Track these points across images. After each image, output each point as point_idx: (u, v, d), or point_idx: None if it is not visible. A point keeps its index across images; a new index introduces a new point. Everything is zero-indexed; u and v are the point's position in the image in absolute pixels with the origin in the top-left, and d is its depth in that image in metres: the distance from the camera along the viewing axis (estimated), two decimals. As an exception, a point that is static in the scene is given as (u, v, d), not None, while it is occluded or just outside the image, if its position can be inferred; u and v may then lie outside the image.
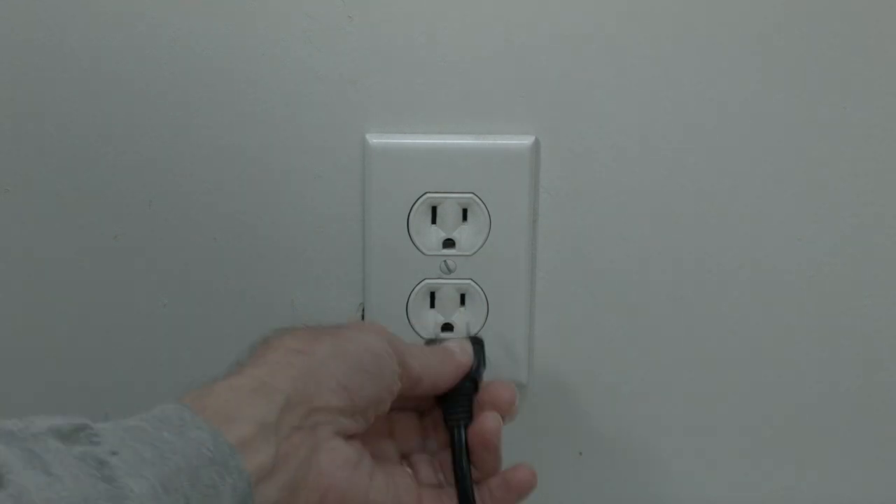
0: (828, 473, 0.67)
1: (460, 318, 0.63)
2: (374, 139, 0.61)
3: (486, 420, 0.54)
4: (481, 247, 0.62)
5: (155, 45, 0.60)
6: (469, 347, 0.56)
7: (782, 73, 0.60)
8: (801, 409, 0.66)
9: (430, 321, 0.63)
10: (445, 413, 0.56)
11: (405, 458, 0.57)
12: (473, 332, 0.63)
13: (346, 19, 0.60)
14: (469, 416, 0.55)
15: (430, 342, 0.58)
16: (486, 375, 0.58)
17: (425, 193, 0.61)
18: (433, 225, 0.62)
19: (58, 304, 0.65)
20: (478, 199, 0.61)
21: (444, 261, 0.62)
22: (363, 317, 0.64)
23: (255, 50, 0.60)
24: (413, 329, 0.63)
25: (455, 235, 0.62)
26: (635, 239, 0.63)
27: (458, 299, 0.63)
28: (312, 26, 0.60)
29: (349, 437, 0.50)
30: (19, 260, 0.64)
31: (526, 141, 0.61)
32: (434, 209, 0.62)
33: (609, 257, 0.63)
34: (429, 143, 0.61)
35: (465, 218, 0.62)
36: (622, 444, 0.67)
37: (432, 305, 0.63)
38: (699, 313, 0.64)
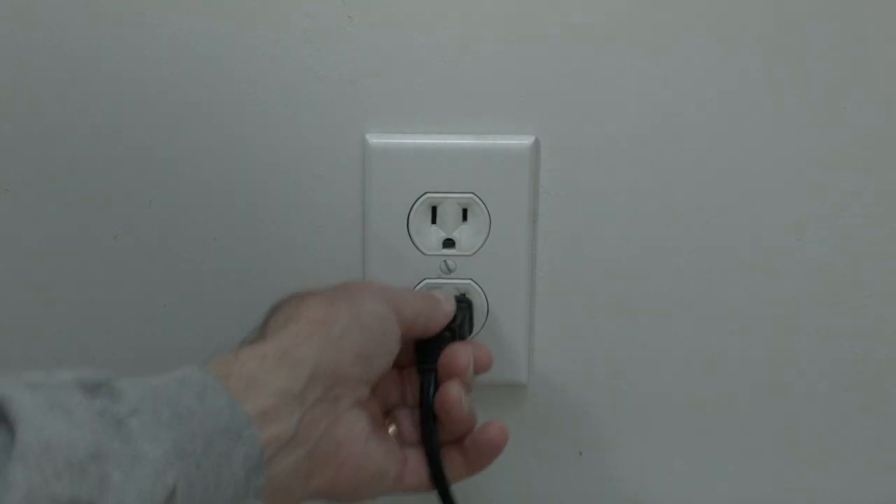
0: (828, 473, 0.67)
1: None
2: (374, 139, 0.61)
3: (448, 391, 0.55)
4: (481, 247, 0.62)
5: (155, 45, 0.60)
6: (452, 298, 0.58)
7: (782, 73, 0.60)
8: (801, 409, 0.66)
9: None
10: (419, 360, 0.57)
11: (388, 413, 0.58)
12: (472, 332, 0.63)
13: (346, 19, 0.60)
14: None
15: None
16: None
17: (425, 193, 0.61)
18: (433, 225, 0.62)
19: (58, 304, 0.65)
20: (478, 199, 0.61)
21: (444, 261, 0.62)
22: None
23: (255, 50, 0.60)
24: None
25: (455, 235, 0.62)
26: (635, 239, 0.63)
27: (458, 299, 0.63)
28: (312, 26, 0.60)
29: (361, 406, 0.52)
30: (19, 260, 0.64)
31: (526, 141, 0.61)
32: (434, 209, 0.62)
33: (609, 257, 0.63)
34: (429, 143, 0.61)
35: (465, 218, 0.62)
36: (622, 444, 0.67)
37: (432, 305, 0.63)
38: (699, 313, 0.64)
